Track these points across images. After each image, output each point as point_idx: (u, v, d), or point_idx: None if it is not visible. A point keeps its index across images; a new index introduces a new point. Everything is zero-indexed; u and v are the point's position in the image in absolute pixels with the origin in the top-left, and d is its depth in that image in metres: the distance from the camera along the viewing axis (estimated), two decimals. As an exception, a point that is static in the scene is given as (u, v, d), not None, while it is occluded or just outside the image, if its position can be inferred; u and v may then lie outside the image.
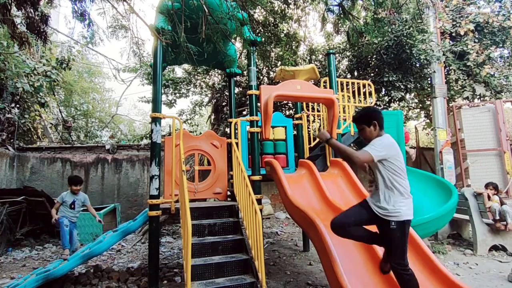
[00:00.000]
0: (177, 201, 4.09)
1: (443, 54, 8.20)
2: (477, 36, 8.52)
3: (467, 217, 5.55)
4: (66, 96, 13.38)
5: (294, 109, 8.23)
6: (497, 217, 5.03)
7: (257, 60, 8.26)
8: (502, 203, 5.10)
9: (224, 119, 9.89)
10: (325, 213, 3.52)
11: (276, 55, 8.72)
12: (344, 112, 5.41)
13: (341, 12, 4.15)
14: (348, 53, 9.15)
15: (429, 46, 7.81)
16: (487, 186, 5.34)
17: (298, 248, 5.81)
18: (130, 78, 12.50)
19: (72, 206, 4.89)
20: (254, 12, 7.71)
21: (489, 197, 5.17)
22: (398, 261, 2.37)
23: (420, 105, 10.82)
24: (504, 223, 4.98)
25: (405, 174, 2.43)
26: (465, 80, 8.41)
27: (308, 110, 5.68)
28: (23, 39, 4.17)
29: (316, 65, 8.80)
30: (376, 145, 2.38)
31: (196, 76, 10.50)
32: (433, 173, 7.21)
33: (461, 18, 8.53)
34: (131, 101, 21.62)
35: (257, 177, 4.17)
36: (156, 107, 4.03)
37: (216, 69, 9.45)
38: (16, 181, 7.80)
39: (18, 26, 4.48)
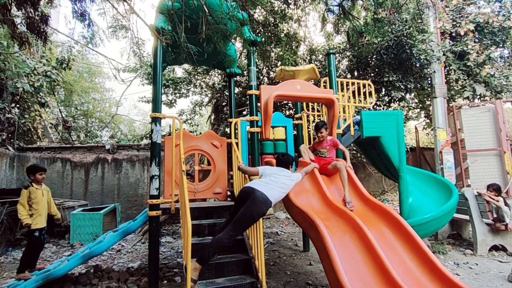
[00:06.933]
0: (177, 201, 4.09)
1: (443, 54, 8.20)
2: (477, 36, 8.52)
3: (467, 217, 5.55)
4: (66, 96, 13.38)
5: (294, 109, 8.23)
6: (495, 215, 5.03)
7: (257, 60, 8.25)
8: (505, 204, 5.08)
9: (224, 119, 9.88)
10: (325, 213, 3.52)
11: (276, 55, 8.71)
12: (344, 112, 5.41)
13: (341, 12, 4.16)
14: (348, 53, 9.15)
15: (429, 46, 7.81)
16: (489, 187, 5.31)
17: (298, 248, 5.81)
18: (130, 78, 12.52)
19: None
20: (254, 12, 7.70)
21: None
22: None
23: (420, 105, 10.82)
24: (505, 223, 4.98)
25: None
26: (465, 80, 8.41)
27: (308, 110, 5.68)
28: (23, 39, 4.17)
29: (316, 65, 8.80)
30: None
31: (196, 76, 10.50)
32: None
33: (461, 18, 8.52)
34: (131, 101, 21.65)
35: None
36: (156, 107, 4.04)
37: (216, 69, 9.45)
38: (16, 181, 7.80)
39: (18, 26, 4.48)
